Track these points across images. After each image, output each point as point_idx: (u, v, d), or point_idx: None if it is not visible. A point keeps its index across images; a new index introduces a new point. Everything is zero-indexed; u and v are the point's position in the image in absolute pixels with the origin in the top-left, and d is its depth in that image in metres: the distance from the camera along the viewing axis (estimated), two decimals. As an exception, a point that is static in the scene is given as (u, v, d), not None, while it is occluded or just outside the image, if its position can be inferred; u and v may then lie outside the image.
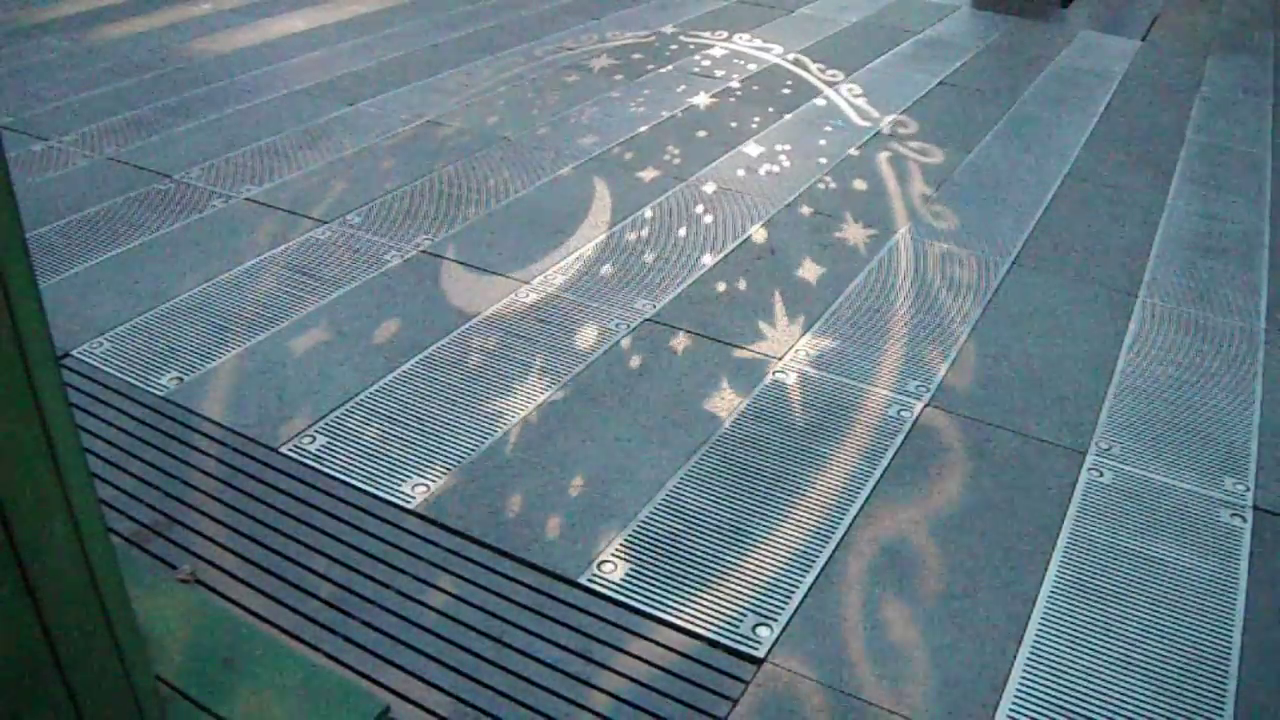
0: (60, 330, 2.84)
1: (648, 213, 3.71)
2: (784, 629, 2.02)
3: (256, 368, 2.74)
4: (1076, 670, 1.97)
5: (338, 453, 2.44)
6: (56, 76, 4.84)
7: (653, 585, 2.11)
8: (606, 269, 3.31)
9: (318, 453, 2.44)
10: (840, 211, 3.82)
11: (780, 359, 2.89)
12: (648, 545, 2.21)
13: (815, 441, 2.56)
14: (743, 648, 1.98)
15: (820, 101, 4.96)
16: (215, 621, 1.79)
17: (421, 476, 2.38)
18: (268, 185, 3.81)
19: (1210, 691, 1.94)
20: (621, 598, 2.07)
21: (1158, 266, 3.55)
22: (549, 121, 4.54)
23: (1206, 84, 5.66)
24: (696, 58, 5.53)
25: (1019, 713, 1.88)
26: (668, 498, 2.35)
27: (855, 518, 2.32)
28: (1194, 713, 1.90)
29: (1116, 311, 3.24)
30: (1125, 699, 1.91)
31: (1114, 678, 1.96)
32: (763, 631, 2.02)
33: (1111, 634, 2.05)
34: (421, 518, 2.26)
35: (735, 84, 5.16)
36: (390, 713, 1.75)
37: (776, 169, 4.16)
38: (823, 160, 4.28)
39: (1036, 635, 2.04)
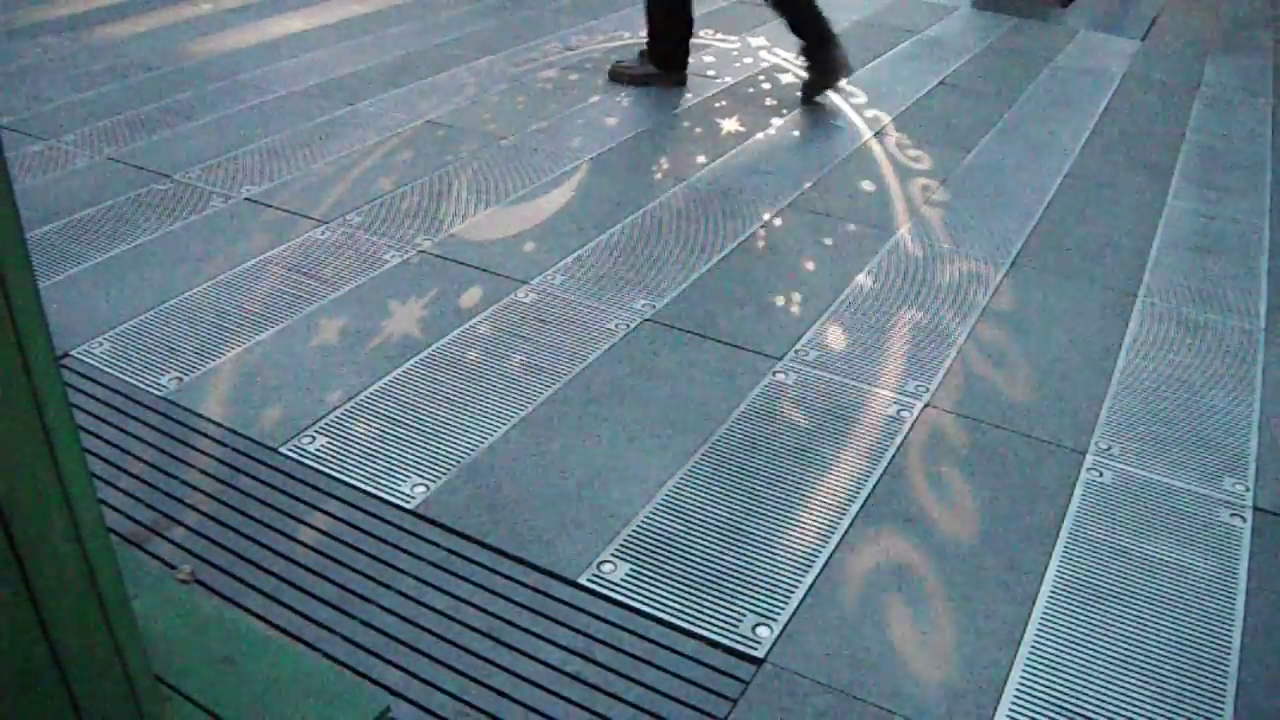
0: (60, 330, 2.85)
1: (647, 213, 3.71)
2: (784, 629, 2.02)
3: (257, 368, 2.75)
4: (1076, 670, 1.97)
5: (338, 453, 2.44)
6: (56, 76, 4.84)
7: (653, 585, 2.11)
8: (605, 269, 3.31)
9: (318, 453, 2.44)
10: (840, 211, 3.82)
11: (780, 359, 2.89)
12: (648, 545, 2.21)
13: (815, 441, 2.56)
14: (742, 648, 1.98)
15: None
16: (215, 621, 1.79)
17: (421, 476, 2.38)
18: (268, 185, 3.81)
19: (1210, 691, 1.94)
20: (621, 598, 2.08)
21: (1157, 266, 3.55)
22: (549, 122, 4.54)
23: (1206, 84, 5.66)
24: (696, 57, 5.53)
25: (1019, 713, 1.88)
26: (668, 498, 2.35)
27: (855, 517, 2.32)
28: (1194, 713, 1.90)
29: (1116, 311, 3.24)
30: (1125, 699, 1.91)
31: (1114, 678, 1.96)
32: (763, 631, 2.02)
33: (1111, 634, 2.05)
34: (421, 518, 2.26)
35: (735, 83, 5.16)
36: (390, 713, 1.75)
37: (776, 169, 4.16)
38: (822, 160, 4.28)
39: (1036, 635, 2.04)
